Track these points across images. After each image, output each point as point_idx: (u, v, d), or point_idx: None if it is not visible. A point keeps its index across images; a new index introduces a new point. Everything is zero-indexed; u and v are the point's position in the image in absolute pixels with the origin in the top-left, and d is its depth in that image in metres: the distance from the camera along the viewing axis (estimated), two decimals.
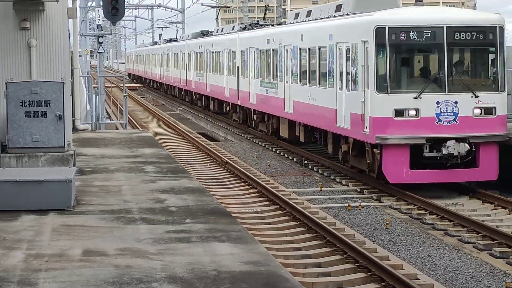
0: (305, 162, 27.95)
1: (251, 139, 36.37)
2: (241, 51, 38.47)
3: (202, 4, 77.05)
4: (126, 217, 13.86)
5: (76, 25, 29.03)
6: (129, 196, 15.77)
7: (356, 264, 14.70)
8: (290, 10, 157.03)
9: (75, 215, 14.04)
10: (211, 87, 46.68)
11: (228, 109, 43.31)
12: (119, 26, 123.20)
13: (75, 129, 24.95)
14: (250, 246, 11.84)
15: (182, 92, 61.85)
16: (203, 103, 51.68)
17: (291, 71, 29.98)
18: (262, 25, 40.59)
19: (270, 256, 11.47)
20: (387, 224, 18.48)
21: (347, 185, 23.88)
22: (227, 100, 42.54)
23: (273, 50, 32.70)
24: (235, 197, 22.00)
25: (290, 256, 15.75)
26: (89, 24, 57.68)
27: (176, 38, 71.51)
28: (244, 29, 40.97)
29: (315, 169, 26.98)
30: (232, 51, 40.36)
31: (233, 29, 43.45)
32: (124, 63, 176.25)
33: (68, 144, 18.54)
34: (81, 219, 13.75)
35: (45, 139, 17.82)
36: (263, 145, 34.07)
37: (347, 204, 20.81)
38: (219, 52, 44.01)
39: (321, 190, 23.02)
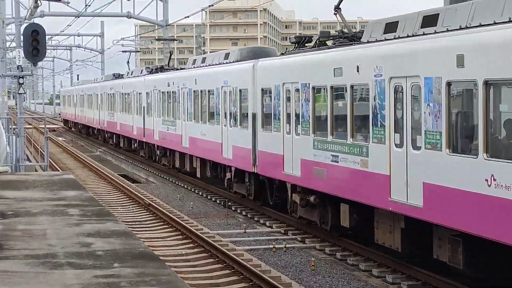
0: (229, 203, 27.93)
1: (173, 181, 36.22)
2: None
3: (122, 45, 76.87)
4: (52, 262, 13.55)
5: None
6: (54, 240, 15.46)
7: None
8: (210, 52, 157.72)
9: None
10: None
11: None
12: (37, 66, 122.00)
13: None
14: None
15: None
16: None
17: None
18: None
19: None
20: (312, 265, 18.54)
21: (271, 227, 23.92)
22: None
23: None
24: (159, 239, 21.82)
25: None
26: (8, 65, 56.92)
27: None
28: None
29: (238, 211, 26.98)
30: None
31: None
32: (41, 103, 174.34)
33: None
34: (5, 265, 13.39)
35: None
36: (185, 186, 33.96)
37: (272, 246, 20.82)
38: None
39: (245, 232, 23.00)
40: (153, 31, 77.73)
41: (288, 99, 22.40)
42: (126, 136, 50.88)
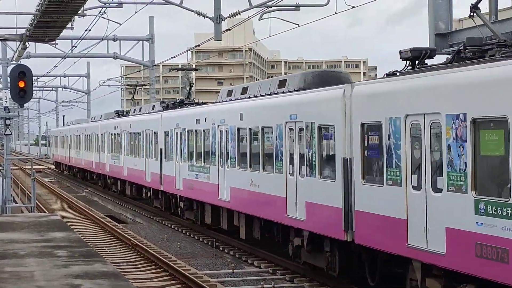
0: (216, 243, 27.86)
1: (160, 221, 36.14)
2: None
3: (109, 85, 76.95)
4: None
5: None
6: (42, 282, 15.40)
7: None
8: (195, 92, 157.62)
9: None
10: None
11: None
12: (23, 107, 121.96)
13: None
14: None
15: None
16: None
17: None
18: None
19: None
20: None
21: (259, 267, 23.85)
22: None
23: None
24: (147, 280, 21.73)
25: None
26: None
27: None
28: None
29: (226, 251, 26.91)
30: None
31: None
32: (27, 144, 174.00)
33: None
34: None
35: None
36: (172, 226, 33.88)
37: (260, 286, 20.77)
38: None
39: (233, 272, 22.93)
40: (139, 71, 77.99)
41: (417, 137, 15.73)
42: (135, 183, 43.10)
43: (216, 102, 29.28)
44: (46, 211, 38.87)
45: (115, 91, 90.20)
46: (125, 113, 51.60)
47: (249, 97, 25.83)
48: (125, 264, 24.46)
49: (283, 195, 21.73)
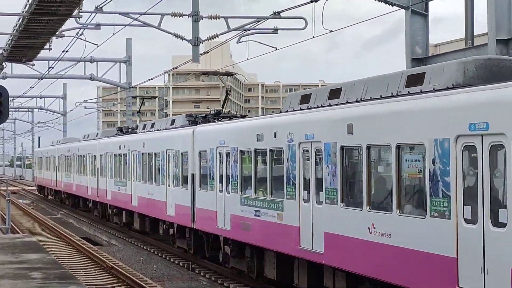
0: (192, 266, 27.74)
1: (135, 243, 35.94)
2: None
3: (85, 107, 76.87)
4: None
5: None
6: None
7: None
8: (172, 114, 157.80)
9: None
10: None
11: (90, 205, 48.20)
12: None
13: None
14: None
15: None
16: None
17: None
18: (226, 116, 31.74)
19: None
20: None
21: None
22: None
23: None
24: None
25: None
26: None
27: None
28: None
29: (202, 274, 26.79)
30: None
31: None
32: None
33: None
34: None
35: None
36: (148, 249, 33.71)
37: None
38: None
39: None
40: (116, 93, 77.90)
41: None
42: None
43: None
44: (20, 232, 38.58)
45: (91, 112, 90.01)
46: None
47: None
48: (100, 286, 24.28)
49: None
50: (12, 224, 42.18)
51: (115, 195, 40.11)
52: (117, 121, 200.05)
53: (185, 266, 28.30)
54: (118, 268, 26.36)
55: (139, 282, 23.51)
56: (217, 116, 28.73)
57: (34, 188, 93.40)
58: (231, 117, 27.17)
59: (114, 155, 40.59)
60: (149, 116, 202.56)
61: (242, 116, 27.50)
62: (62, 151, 60.36)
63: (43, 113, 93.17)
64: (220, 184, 24.58)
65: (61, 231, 40.75)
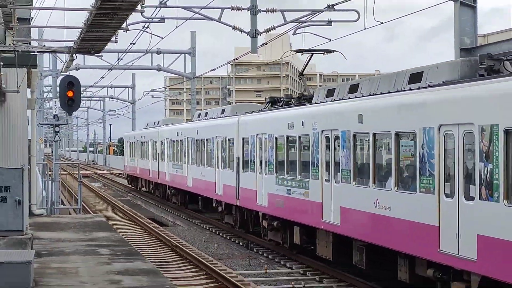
0: (251, 245, 28.00)
1: (199, 224, 36.36)
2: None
3: (152, 96, 77.60)
4: None
5: (34, 115, 29.10)
6: (86, 277, 15.67)
7: None
8: (235, 102, 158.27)
9: None
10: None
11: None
12: (72, 116, 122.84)
13: (31, 214, 24.75)
14: None
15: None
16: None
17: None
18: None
19: None
20: None
21: (291, 268, 23.93)
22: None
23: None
24: (185, 279, 21.91)
25: None
26: (44, 114, 57.57)
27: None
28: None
29: (260, 252, 27.02)
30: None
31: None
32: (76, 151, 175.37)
33: (26, 228, 18.37)
34: None
35: (4, 223, 17.62)
36: (210, 229, 34.08)
37: (291, 286, 20.86)
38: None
39: (266, 273, 23.03)
40: (181, 82, 78.37)
41: None
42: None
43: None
44: (91, 213, 39.27)
45: (159, 101, 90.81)
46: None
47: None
48: (164, 263, 24.67)
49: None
50: (84, 205, 42.96)
51: (173, 177, 42.82)
52: (183, 109, 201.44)
53: (244, 245, 28.57)
54: (182, 247, 26.74)
55: (201, 259, 23.83)
56: (299, 99, 25.81)
57: (106, 172, 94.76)
58: (309, 99, 24.28)
59: (172, 141, 43.35)
60: (213, 104, 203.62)
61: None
62: (170, 134, 47.59)
63: (113, 101, 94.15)
64: (259, 167, 26.88)
65: (129, 212, 41.37)
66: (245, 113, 30.35)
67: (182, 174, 40.09)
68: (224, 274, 21.17)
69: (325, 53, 25.63)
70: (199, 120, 39.25)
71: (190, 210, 41.15)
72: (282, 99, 27.66)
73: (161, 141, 46.96)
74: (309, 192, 22.25)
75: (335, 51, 25.07)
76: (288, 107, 25.32)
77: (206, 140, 35.32)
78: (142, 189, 56.90)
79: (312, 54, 26.11)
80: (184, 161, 39.67)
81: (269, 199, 25.71)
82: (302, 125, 22.69)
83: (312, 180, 21.99)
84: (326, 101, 21.84)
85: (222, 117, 34.18)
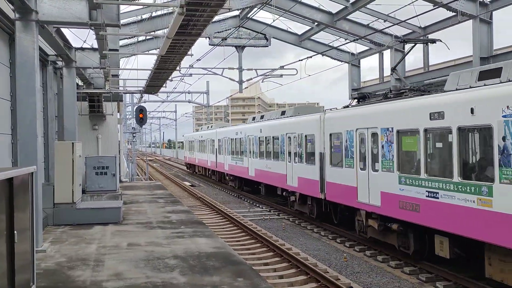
0: (240, 197, 27.44)
1: (211, 185, 35.56)
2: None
3: (186, 116, 76.46)
4: (149, 226, 13.68)
5: (121, 127, 28.79)
6: (150, 215, 15.56)
7: (266, 248, 14.01)
8: (231, 122, 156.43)
9: (122, 225, 13.80)
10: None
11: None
12: (142, 127, 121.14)
13: (120, 181, 24.52)
14: (215, 239, 11.80)
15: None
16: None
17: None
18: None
19: (226, 244, 11.45)
20: (283, 225, 17.84)
21: (262, 208, 23.36)
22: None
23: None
24: (205, 215, 21.60)
25: (236, 245, 15.44)
26: (127, 127, 57.00)
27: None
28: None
29: (245, 200, 26.51)
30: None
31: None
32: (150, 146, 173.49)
33: (118, 188, 18.26)
34: (126, 227, 13.52)
35: (106, 186, 17.53)
36: (219, 188, 33.28)
37: (262, 218, 20.47)
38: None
39: (249, 211, 22.57)
40: (201, 109, 77.19)
41: None
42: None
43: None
44: (153, 179, 38.93)
45: (189, 118, 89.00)
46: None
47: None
48: (194, 207, 24.32)
49: None
50: (150, 175, 42.61)
51: (232, 167, 30.21)
52: (202, 123, 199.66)
53: (237, 197, 27.60)
54: (204, 199, 26.22)
55: (212, 204, 23.12)
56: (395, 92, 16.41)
57: (161, 158, 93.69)
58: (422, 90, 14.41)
59: (231, 139, 31.68)
60: (218, 121, 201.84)
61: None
62: (196, 137, 45.75)
63: (164, 119, 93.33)
64: (362, 163, 14.42)
65: (176, 179, 40.86)
66: (324, 111, 17.34)
67: (243, 165, 27.42)
68: (224, 210, 20.16)
69: (428, 43, 16.64)
70: (254, 122, 27.13)
71: (246, 192, 29.14)
72: (369, 94, 16.75)
73: (218, 139, 35.89)
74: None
75: (439, 40, 14.44)
76: (410, 98, 12.64)
77: (272, 137, 22.30)
78: (198, 173, 47.25)
79: (415, 44, 14.26)
80: (245, 154, 26.95)
81: (388, 199, 12.84)
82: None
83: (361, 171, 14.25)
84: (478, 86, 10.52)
85: (288, 117, 21.61)
